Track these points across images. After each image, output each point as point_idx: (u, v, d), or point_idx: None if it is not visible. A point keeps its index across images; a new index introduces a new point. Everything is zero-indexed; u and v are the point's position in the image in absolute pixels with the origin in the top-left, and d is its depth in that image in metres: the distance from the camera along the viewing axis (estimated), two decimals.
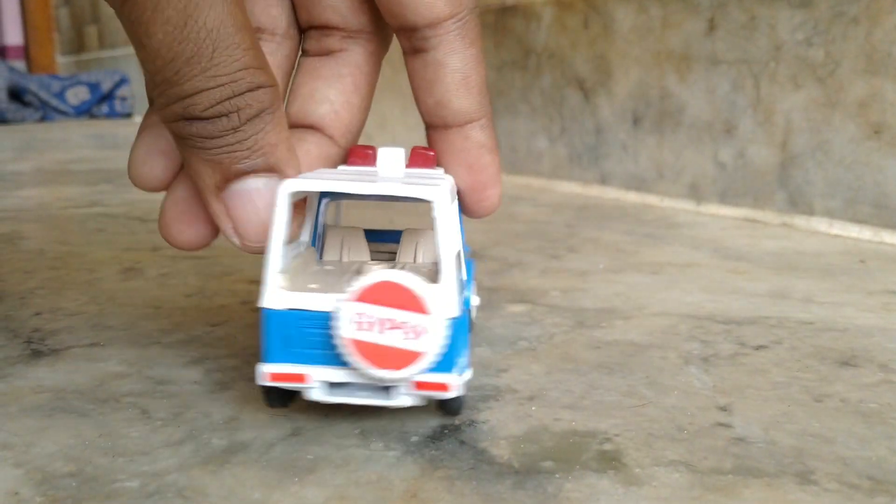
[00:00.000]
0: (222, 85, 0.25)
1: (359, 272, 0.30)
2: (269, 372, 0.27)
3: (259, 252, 0.28)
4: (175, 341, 0.38)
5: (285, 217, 0.27)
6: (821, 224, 0.61)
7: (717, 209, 0.69)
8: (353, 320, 0.26)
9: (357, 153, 0.31)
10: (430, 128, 0.32)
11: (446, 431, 0.28)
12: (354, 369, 0.26)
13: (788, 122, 0.63)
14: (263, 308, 0.27)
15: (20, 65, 2.89)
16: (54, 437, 0.28)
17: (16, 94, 2.13)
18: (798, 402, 0.30)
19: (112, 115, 2.31)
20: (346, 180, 0.28)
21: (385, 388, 0.27)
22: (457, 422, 0.29)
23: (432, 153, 0.31)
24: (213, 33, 0.25)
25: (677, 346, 0.36)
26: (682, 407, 0.30)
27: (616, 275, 0.49)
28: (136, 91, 2.29)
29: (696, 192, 0.71)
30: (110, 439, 0.28)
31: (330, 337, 0.26)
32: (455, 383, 0.27)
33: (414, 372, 0.26)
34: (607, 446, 0.27)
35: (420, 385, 0.27)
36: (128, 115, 2.33)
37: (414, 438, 0.28)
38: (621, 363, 0.34)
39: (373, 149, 0.31)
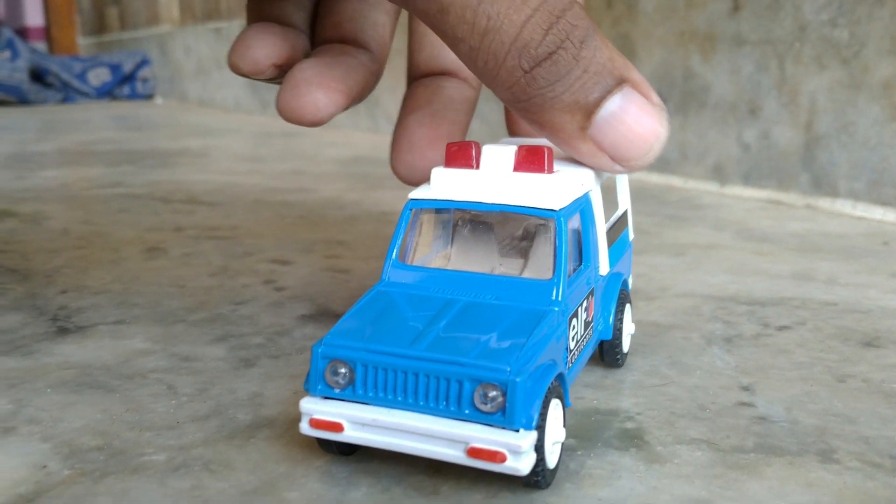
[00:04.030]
0: (538, 8, 0.24)
1: None
2: None
3: (642, 167, 0.27)
4: (199, 319, 0.38)
5: None
6: (845, 206, 0.61)
7: (741, 191, 0.69)
8: None
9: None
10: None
11: None
12: None
13: (813, 104, 0.62)
14: None
15: (41, 46, 2.90)
16: (81, 412, 0.29)
17: (37, 76, 2.14)
18: (821, 382, 0.30)
19: (133, 96, 2.32)
20: None
21: None
22: None
23: (471, 144, 0.28)
24: None
25: (700, 327, 0.36)
26: (705, 386, 0.30)
27: (639, 256, 0.49)
28: (158, 72, 2.30)
29: (719, 174, 0.71)
30: (137, 414, 0.28)
31: None
32: None
33: None
34: (629, 424, 0.27)
35: None
36: (149, 97, 2.34)
37: None
38: (644, 343, 0.34)
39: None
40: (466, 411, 0.22)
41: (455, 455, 0.22)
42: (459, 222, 0.30)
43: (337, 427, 0.23)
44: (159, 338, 0.36)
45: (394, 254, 0.27)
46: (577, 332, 0.27)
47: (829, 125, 0.61)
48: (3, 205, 0.69)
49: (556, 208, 0.26)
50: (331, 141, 1.17)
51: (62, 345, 0.35)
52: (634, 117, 0.25)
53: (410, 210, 0.27)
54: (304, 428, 0.23)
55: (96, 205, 0.69)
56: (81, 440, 0.26)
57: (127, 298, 0.41)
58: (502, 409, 0.22)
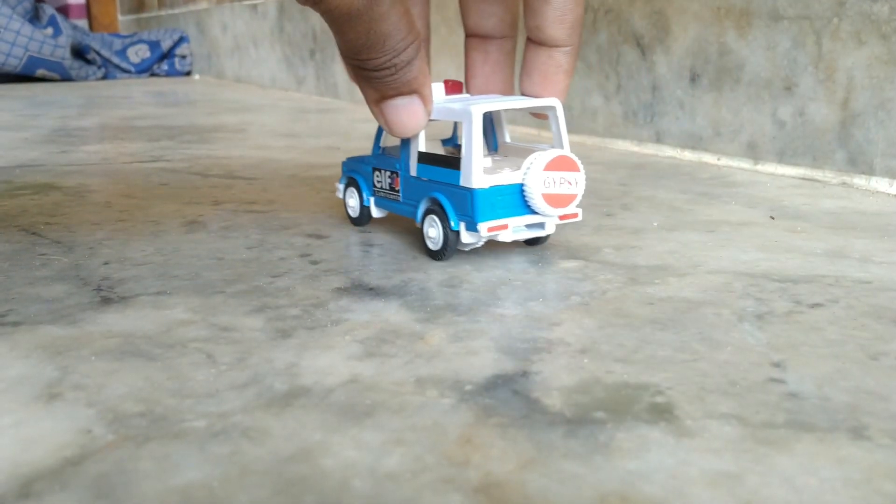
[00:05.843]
0: (387, 54, 0.37)
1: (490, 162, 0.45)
2: (486, 226, 0.40)
3: (405, 136, 0.42)
4: (238, 291, 0.39)
5: (481, 131, 0.40)
6: (881, 184, 0.60)
7: (775, 168, 0.68)
8: (544, 182, 0.40)
9: (449, 86, 0.45)
10: (528, 41, 0.42)
11: (499, 381, 0.29)
12: (535, 215, 0.41)
13: (850, 80, 0.62)
14: (474, 188, 0.40)
15: (82, 23, 2.93)
16: (124, 379, 0.29)
17: (79, 53, 2.17)
18: (853, 359, 0.30)
19: (172, 73, 2.34)
20: (505, 102, 0.42)
21: (540, 225, 0.42)
22: (510, 372, 0.30)
23: (461, 83, 0.45)
24: (383, 34, 0.36)
25: (731, 304, 0.36)
26: (735, 362, 0.30)
27: (670, 233, 0.49)
28: (195, 50, 2.31)
29: (753, 151, 0.70)
30: (178, 382, 0.29)
31: (516, 198, 0.41)
32: (580, 213, 0.43)
33: (573, 208, 0.42)
34: (659, 399, 0.27)
35: (563, 217, 0.42)
36: (187, 74, 2.36)
37: (468, 387, 0.28)
38: (674, 319, 0.35)
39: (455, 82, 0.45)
40: None
41: None
42: None
43: None
44: (199, 308, 0.36)
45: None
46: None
47: (866, 102, 0.61)
48: (48, 178, 0.71)
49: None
50: (364, 117, 1.18)
51: (105, 314, 0.36)
52: (405, 113, 0.40)
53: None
54: None
55: (137, 179, 0.70)
56: (125, 406, 0.27)
57: (168, 270, 0.42)
58: None
